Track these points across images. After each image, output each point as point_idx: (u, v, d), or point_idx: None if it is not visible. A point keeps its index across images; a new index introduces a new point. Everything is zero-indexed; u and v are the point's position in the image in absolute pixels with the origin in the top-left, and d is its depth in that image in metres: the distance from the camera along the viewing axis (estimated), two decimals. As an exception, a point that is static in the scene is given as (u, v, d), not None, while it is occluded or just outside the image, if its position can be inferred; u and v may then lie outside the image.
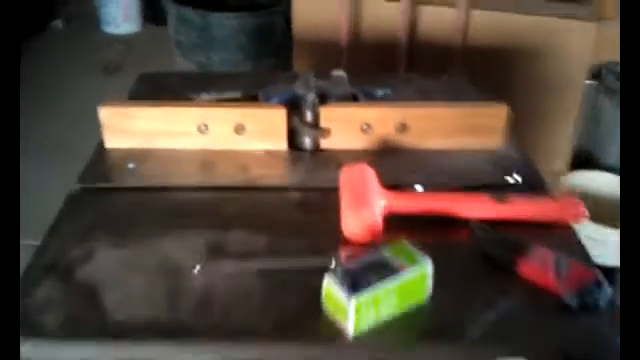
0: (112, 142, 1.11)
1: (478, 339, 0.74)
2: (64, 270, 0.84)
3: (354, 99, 1.17)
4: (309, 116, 1.10)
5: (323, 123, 1.09)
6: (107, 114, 1.09)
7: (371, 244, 0.86)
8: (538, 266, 0.82)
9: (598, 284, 0.79)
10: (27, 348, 0.74)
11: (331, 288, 0.74)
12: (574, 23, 1.83)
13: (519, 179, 1.02)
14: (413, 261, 0.77)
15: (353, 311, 0.72)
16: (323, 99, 1.12)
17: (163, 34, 2.95)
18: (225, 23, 2.45)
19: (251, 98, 1.19)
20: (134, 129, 1.10)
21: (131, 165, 1.07)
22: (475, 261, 0.86)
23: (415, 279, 0.76)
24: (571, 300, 0.78)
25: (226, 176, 1.06)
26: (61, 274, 0.84)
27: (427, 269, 0.77)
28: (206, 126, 1.09)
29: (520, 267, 0.83)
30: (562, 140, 2.04)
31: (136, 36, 3.78)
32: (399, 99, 1.21)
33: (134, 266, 0.85)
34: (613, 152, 2.21)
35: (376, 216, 0.89)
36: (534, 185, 1.03)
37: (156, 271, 0.84)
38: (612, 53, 2.16)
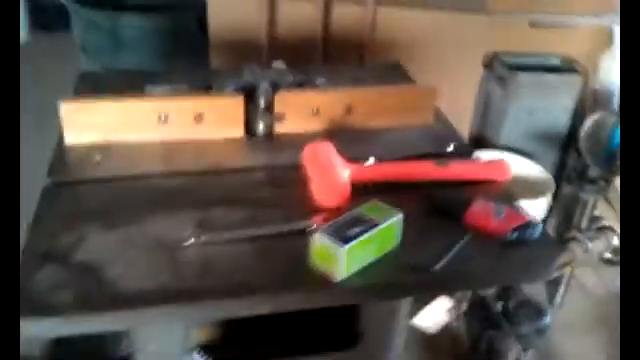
0: (73, 137, 1.15)
1: (441, 271, 0.89)
2: (61, 255, 0.89)
3: (301, 87, 1.28)
4: (263, 103, 1.20)
5: (277, 109, 1.20)
6: (67, 110, 1.13)
7: (340, 208, 0.99)
8: (481, 214, 0.99)
9: (530, 222, 0.97)
10: (42, 328, 0.79)
11: (323, 242, 0.85)
12: (466, 16, 2.07)
13: (452, 147, 1.19)
14: (386, 215, 0.90)
15: (344, 259, 0.84)
16: (274, 87, 1.22)
17: (57, 41, 2.84)
18: (135, 25, 2.46)
19: (204, 89, 1.27)
20: (95, 123, 1.15)
21: (98, 157, 1.12)
22: (429, 215, 1.02)
23: (389, 228, 0.90)
24: (511, 237, 0.95)
25: (192, 163, 1.13)
26: (59, 258, 0.88)
27: (398, 219, 0.91)
28: (166, 117, 1.16)
29: (467, 216, 0.99)
30: (462, 124, 2.28)
31: (26, 46, 3.62)
32: (335, 86, 1.34)
33: (129, 244, 0.92)
34: (503, 134, 2.49)
35: (343, 184, 1.01)
36: (464, 153, 1.20)
37: (151, 247, 0.91)
38: (502, 43, 2.45)
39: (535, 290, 2.14)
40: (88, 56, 2.62)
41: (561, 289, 2.18)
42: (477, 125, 2.53)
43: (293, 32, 2.11)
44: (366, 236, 0.86)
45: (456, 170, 1.09)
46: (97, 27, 2.51)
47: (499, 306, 1.72)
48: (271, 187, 1.08)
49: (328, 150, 1.06)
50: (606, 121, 2.44)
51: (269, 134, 1.21)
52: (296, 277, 0.88)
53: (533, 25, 2.49)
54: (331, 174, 1.02)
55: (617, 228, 2.04)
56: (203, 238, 0.92)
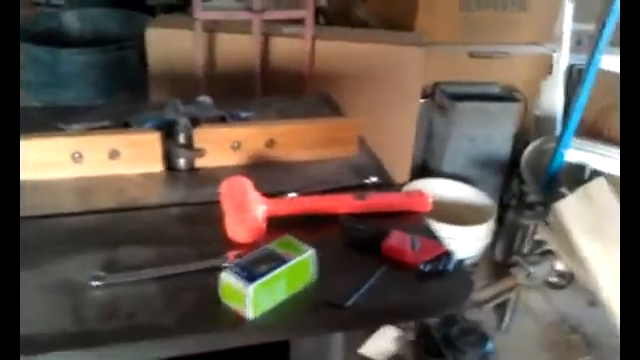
0: (-18, 177, 1.10)
1: (355, 306, 0.87)
2: None
3: (222, 121, 1.27)
4: (183, 138, 1.18)
5: (197, 144, 1.18)
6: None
7: (255, 244, 0.97)
8: (397, 245, 0.98)
9: (446, 254, 0.96)
10: None
11: (229, 280, 0.83)
12: (403, 48, 2.10)
13: (374, 180, 1.18)
14: (297, 251, 0.89)
15: (251, 297, 0.82)
16: (194, 122, 1.21)
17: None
18: (75, 60, 2.43)
19: (123, 125, 1.24)
20: (6, 162, 1.11)
21: (7, 198, 1.07)
22: (346, 247, 1.00)
23: (300, 265, 0.88)
24: (424, 267, 0.95)
25: (105, 200, 1.10)
26: None
27: (309, 255, 0.89)
28: (80, 155, 1.13)
29: (383, 248, 0.98)
30: (403, 153, 2.30)
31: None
32: (262, 119, 1.33)
33: (31, 288, 0.87)
34: (446, 161, 2.52)
35: (258, 219, 0.99)
36: (386, 185, 1.20)
37: (54, 290, 0.87)
38: (442, 73, 2.49)
39: (483, 315, 2.15)
40: (28, 92, 2.57)
41: (508, 313, 2.19)
42: (420, 153, 2.56)
43: (232, 65, 2.11)
44: (275, 273, 0.84)
45: (375, 202, 1.09)
46: (38, 62, 2.47)
47: (441, 334, 1.71)
48: (186, 224, 1.06)
49: (244, 185, 1.05)
50: (546, 147, 2.50)
51: (189, 169, 1.19)
52: (206, 317, 0.85)
53: (472, 55, 2.55)
54: (245, 209, 1.00)
55: (557, 252, 2.07)
56: (108, 279, 0.88)
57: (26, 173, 1.12)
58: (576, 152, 2.30)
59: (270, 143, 1.21)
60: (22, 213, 1.03)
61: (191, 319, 0.84)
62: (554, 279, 2.39)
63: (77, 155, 1.13)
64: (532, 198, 2.42)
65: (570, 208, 2.09)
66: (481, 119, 2.44)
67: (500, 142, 2.52)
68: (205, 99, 1.35)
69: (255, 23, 2.00)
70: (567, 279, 2.35)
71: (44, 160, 1.12)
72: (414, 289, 0.93)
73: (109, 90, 2.50)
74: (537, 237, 2.27)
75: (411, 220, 1.09)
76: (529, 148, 2.53)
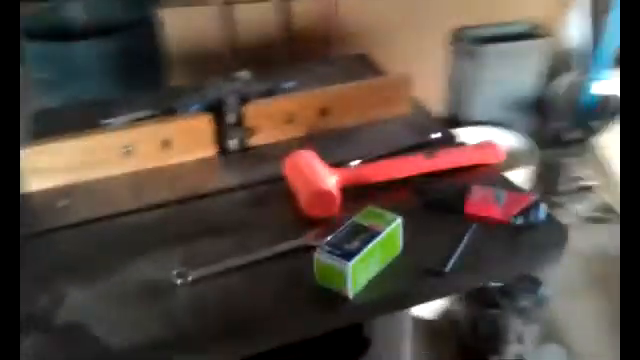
0: (33, 184, 1.06)
1: (453, 271, 0.83)
2: (42, 320, 0.80)
3: (269, 95, 1.21)
4: (233, 118, 1.13)
5: (248, 122, 1.13)
6: (27, 155, 1.04)
7: (332, 219, 0.92)
8: (481, 202, 0.93)
9: (534, 204, 0.91)
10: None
11: (325, 261, 0.79)
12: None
13: (437, 136, 1.13)
14: (385, 221, 0.84)
15: (351, 275, 0.77)
16: (241, 99, 1.15)
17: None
18: (87, 52, 2.35)
19: (168, 113, 1.19)
20: (56, 166, 1.06)
21: (64, 201, 1.03)
22: (425, 210, 0.96)
23: (391, 235, 0.84)
24: (516, 221, 0.90)
25: (165, 192, 1.05)
26: (41, 325, 0.79)
27: (398, 224, 0.85)
28: (131, 149, 1.08)
29: (466, 207, 0.94)
30: (434, 103, 2.23)
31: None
32: (307, 88, 1.27)
33: (113, 296, 0.84)
34: (478, 107, 2.46)
35: (333, 192, 0.95)
36: (448, 139, 1.14)
37: (137, 295, 0.83)
38: (465, 18, 2.40)
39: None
40: (43, 92, 2.51)
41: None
42: (452, 101, 2.49)
43: (255, 35, 2.04)
44: (370, 246, 0.80)
45: (447, 159, 1.04)
46: (48, 60, 2.40)
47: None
48: (255, 206, 1.01)
49: (310, 158, 1.00)
50: (578, 82, 2.42)
51: (243, 149, 1.14)
52: (301, 302, 0.81)
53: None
54: (318, 183, 0.95)
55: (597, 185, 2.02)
56: (192, 276, 0.84)
57: (77, 174, 1.07)
58: (607, 84, 2.23)
59: (324, 111, 1.16)
60: (81, 217, 1.00)
61: (288, 306, 0.81)
62: (595, 214, 2.34)
63: (128, 150, 1.08)
64: (567, 135, 2.37)
65: (609, 141, 2.03)
66: (510, 60, 2.36)
67: (530, 81, 2.45)
68: (244, 74, 1.29)
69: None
70: (607, 213, 2.31)
71: (94, 159, 1.08)
72: (509, 246, 0.88)
73: (128, 79, 2.42)
74: (575, 174, 2.22)
75: (485, 173, 1.04)
76: (560, 84, 2.46)
